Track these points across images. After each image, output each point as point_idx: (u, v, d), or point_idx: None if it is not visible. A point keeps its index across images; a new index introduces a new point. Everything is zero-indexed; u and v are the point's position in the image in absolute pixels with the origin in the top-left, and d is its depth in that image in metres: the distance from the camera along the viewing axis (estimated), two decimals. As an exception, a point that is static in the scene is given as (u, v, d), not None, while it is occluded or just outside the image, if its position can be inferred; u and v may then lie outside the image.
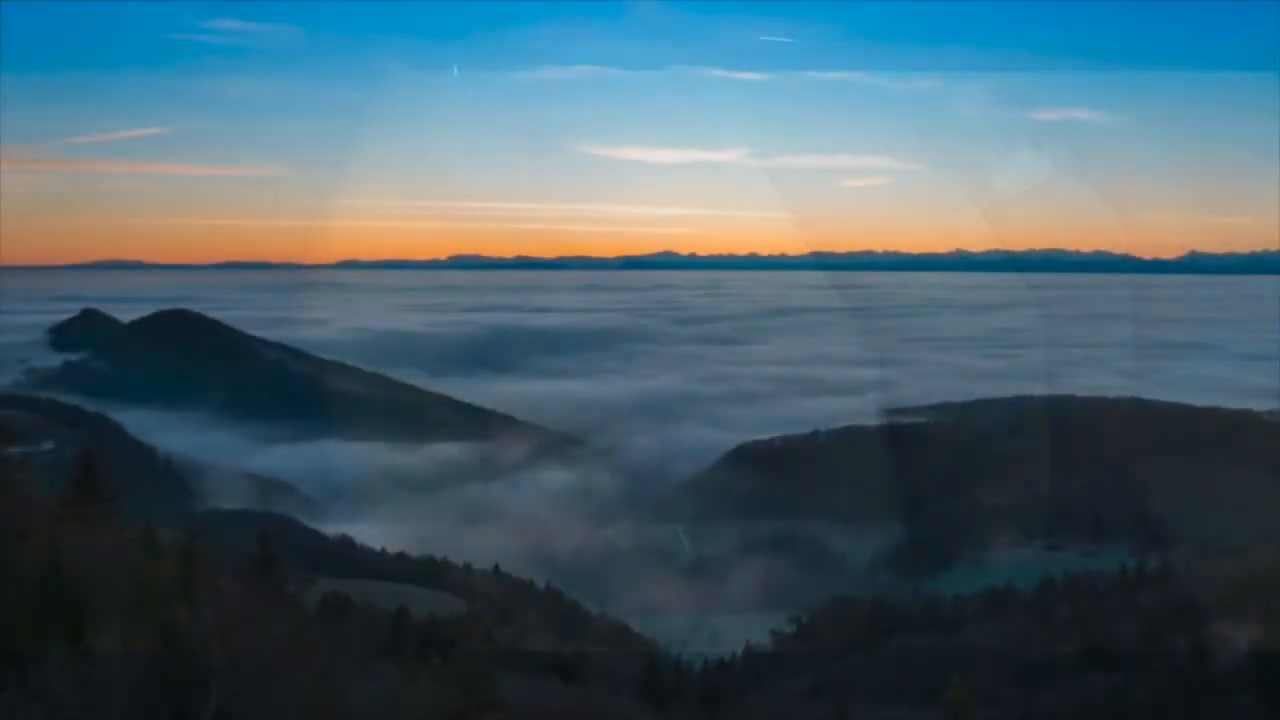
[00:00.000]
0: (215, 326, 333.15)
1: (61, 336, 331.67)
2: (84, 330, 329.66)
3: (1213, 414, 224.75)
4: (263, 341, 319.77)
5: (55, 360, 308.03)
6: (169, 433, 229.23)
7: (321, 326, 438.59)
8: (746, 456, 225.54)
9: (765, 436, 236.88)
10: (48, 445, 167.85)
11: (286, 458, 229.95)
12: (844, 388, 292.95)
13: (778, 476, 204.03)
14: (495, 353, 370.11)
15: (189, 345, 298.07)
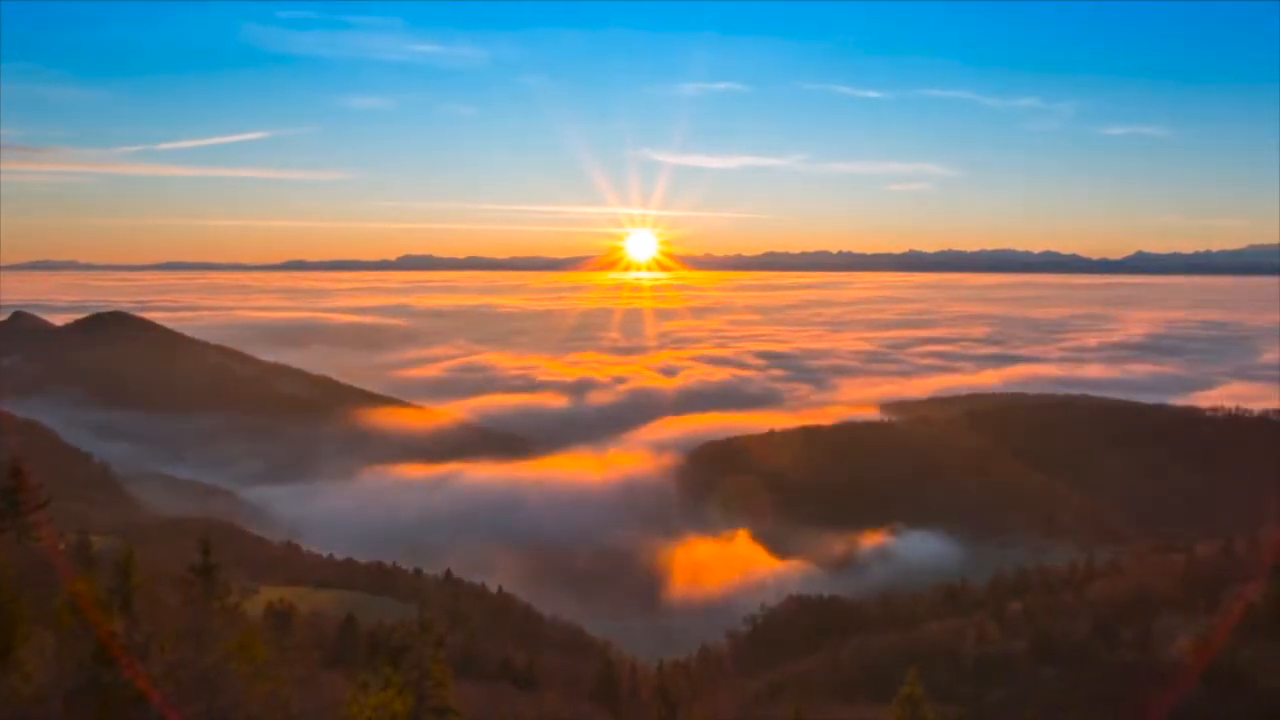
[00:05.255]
0: (150, 328, 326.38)
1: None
2: (13, 333, 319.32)
3: (1160, 411, 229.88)
4: (202, 344, 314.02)
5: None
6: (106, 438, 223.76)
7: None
8: (703, 455, 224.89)
9: (721, 437, 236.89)
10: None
11: (227, 461, 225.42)
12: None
13: (733, 475, 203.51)
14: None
15: (123, 348, 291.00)
